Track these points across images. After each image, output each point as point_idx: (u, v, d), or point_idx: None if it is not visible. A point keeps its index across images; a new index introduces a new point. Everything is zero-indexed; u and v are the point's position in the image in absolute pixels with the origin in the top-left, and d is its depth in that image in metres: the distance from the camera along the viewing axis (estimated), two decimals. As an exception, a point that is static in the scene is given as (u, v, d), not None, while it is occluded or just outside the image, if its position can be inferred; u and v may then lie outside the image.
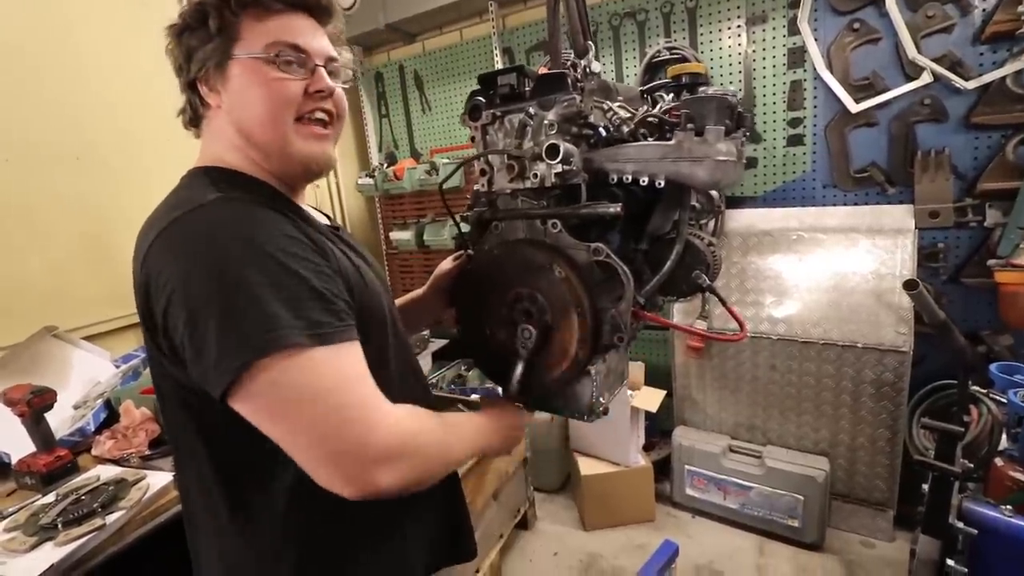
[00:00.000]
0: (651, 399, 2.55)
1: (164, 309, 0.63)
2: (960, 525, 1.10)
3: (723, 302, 1.22)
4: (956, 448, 1.17)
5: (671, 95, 1.27)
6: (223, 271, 0.60)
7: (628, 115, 1.06)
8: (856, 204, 2.29)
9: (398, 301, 1.21)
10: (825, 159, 2.30)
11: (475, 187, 1.10)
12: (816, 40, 2.19)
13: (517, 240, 1.02)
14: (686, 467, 2.58)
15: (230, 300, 0.59)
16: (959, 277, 2.12)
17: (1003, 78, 1.89)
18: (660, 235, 1.17)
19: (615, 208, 0.93)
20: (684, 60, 2.40)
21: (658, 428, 2.97)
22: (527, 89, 1.00)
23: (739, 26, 2.35)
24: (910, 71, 2.06)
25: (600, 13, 2.63)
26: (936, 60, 1.99)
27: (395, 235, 3.22)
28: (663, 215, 1.19)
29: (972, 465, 1.43)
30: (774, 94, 2.35)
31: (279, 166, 0.79)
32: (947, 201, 2.05)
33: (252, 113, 0.75)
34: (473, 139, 1.02)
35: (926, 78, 2.02)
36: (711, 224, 2.51)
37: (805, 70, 2.25)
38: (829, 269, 2.28)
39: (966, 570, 1.12)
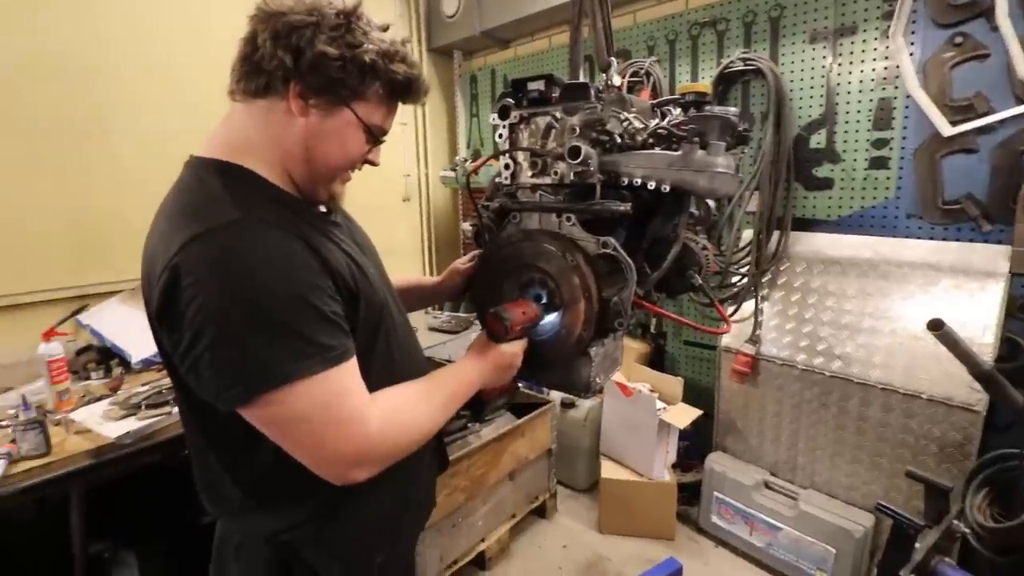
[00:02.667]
0: (682, 416, 2.49)
1: (188, 311, 0.67)
2: (919, 585, 1.00)
3: (712, 300, 1.27)
4: (947, 504, 1.06)
5: (679, 110, 1.32)
6: (257, 303, 0.68)
7: (641, 126, 1.15)
8: (944, 239, 2.03)
9: (411, 280, 1.38)
10: (911, 186, 2.07)
11: (496, 179, 1.25)
12: (911, 55, 1.98)
13: (534, 230, 1.16)
14: (715, 494, 2.49)
15: (260, 329, 0.68)
16: (1059, 335, 1.80)
17: None
18: (660, 236, 1.24)
19: (624, 206, 1.04)
20: (759, 71, 2.30)
21: (700, 452, 2.87)
22: (554, 95, 1.13)
23: (825, 37, 2.20)
24: (1022, 93, 1.79)
25: (680, 22, 2.61)
26: (1058, 81, 1.72)
27: (464, 225, 3.48)
28: (664, 219, 1.27)
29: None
30: (859, 111, 2.16)
31: (303, 186, 0.86)
32: (1054, 245, 1.76)
33: (326, 153, 0.82)
34: (500, 136, 1.17)
35: (1042, 101, 1.75)
36: (772, 242, 2.38)
37: (896, 87, 2.05)
38: (900, 308, 2.05)
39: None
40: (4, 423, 1.51)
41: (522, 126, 1.16)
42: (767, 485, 2.37)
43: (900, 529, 1.01)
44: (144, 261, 0.78)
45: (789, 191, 2.33)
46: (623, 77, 2.68)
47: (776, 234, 2.37)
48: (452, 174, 3.42)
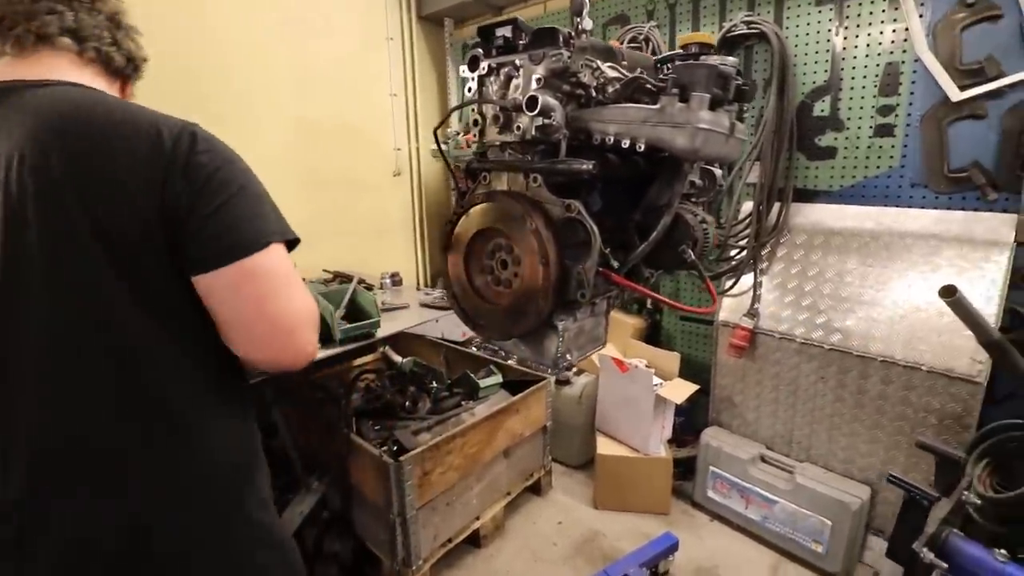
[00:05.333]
0: (679, 391, 2.46)
1: (212, 164, 0.76)
2: (931, 557, 0.98)
3: (703, 277, 1.19)
4: (958, 475, 1.03)
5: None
6: (256, 179, 0.85)
7: (616, 75, 1.07)
8: (949, 208, 1.99)
9: None
10: (917, 154, 2.02)
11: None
12: (921, 16, 1.91)
13: (499, 191, 1.09)
14: (711, 468, 2.47)
15: (267, 195, 0.85)
16: (1064, 306, 1.78)
17: None
18: (655, 206, 1.17)
19: (587, 165, 0.96)
20: (763, 35, 2.22)
21: (694, 426, 2.86)
22: (522, 42, 1.04)
23: (832, -1, 2.12)
24: (1036, 55, 1.73)
25: (681, -16, 2.51)
26: (1074, 43, 1.66)
27: (454, 198, 3.38)
28: (661, 187, 1.20)
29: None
30: (864, 77, 2.09)
31: None
32: (1062, 213, 1.72)
33: None
34: (470, 89, 1.09)
35: (1057, 64, 1.69)
36: (773, 214, 2.33)
37: (904, 51, 1.98)
38: (901, 279, 2.02)
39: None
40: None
41: (491, 78, 1.07)
42: (763, 459, 2.36)
43: (913, 501, 0.98)
44: (102, 132, 0.72)
45: (791, 161, 2.27)
46: (620, 42, 2.58)
47: (777, 205, 2.32)
48: (445, 147, 3.31)
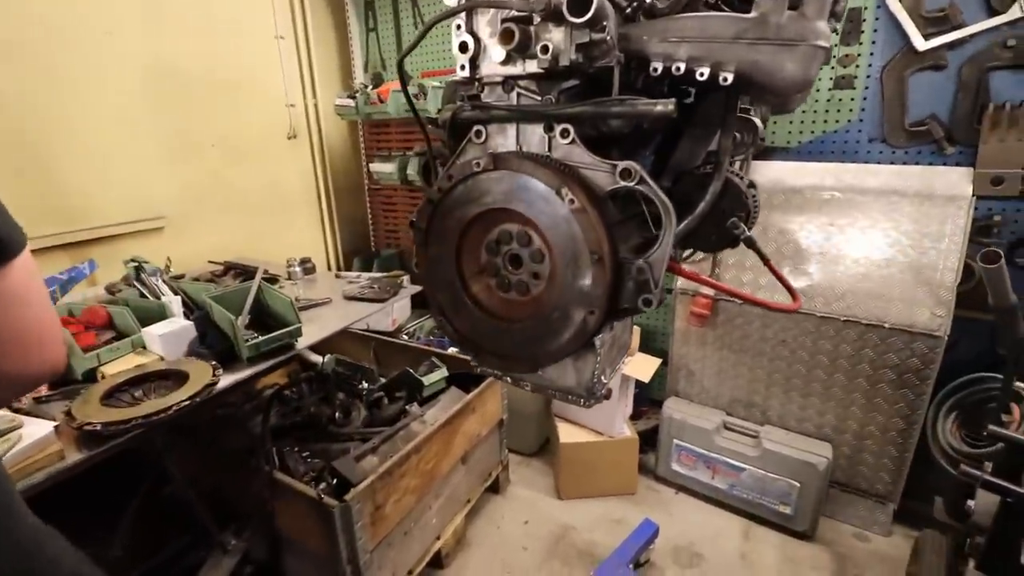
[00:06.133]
0: (644, 367, 2.31)
1: None
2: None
3: (766, 261, 0.96)
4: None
5: None
6: None
7: None
8: (905, 163, 1.97)
9: None
10: (876, 107, 1.96)
11: (452, 79, 0.82)
12: (886, -42, 1.81)
13: (507, 153, 0.75)
14: (675, 441, 2.38)
15: None
16: (1012, 257, 1.84)
17: (1114, 16, 1.54)
18: (689, 169, 0.90)
19: (666, 105, 0.65)
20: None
21: (648, 396, 2.77)
22: None
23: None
24: (996, 3, 1.69)
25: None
26: (1032, -11, 1.63)
27: (376, 167, 2.88)
28: (695, 142, 0.93)
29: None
30: (826, 24, 1.98)
31: None
32: (1017, 166, 1.74)
33: None
34: None
35: (1015, 12, 1.67)
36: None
37: (867, -5, 1.88)
38: (863, 237, 1.99)
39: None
40: None
41: None
42: (726, 427, 2.31)
43: (1012, 508, 0.85)
44: None
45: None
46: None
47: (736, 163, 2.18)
48: (351, 103, 2.76)
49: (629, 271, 0.70)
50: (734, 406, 2.35)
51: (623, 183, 0.68)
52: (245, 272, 2.06)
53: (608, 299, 0.70)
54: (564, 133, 0.71)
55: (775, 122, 2.16)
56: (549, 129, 0.72)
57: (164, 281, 1.85)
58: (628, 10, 0.72)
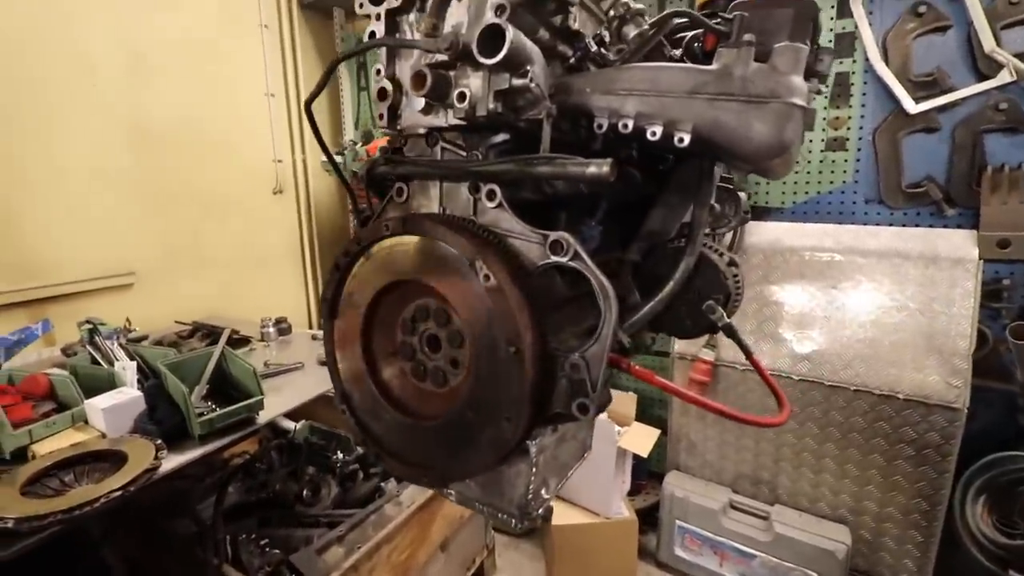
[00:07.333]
0: (642, 440, 2.15)
1: None
2: None
3: (748, 355, 0.84)
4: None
5: None
6: None
7: (639, 8, 0.69)
8: (904, 225, 1.91)
9: None
10: (871, 169, 1.93)
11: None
12: (870, 25, 1.83)
13: (422, 215, 0.65)
14: (677, 522, 2.18)
15: None
16: (1026, 322, 1.75)
17: (1104, 82, 1.53)
18: (660, 242, 0.79)
19: (603, 166, 0.55)
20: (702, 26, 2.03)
21: (648, 468, 2.57)
22: None
23: (778, 4, 1.99)
24: (984, 68, 1.70)
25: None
26: (1018, 56, 1.63)
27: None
28: (669, 211, 0.81)
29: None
30: (814, 88, 1.98)
31: None
32: (1020, 229, 1.68)
33: None
34: (373, 34, 0.64)
35: (1004, 77, 1.66)
36: (728, 238, 2.13)
37: (855, 60, 1.89)
38: (869, 301, 1.89)
39: None
40: None
41: (409, 14, 0.64)
42: (733, 506, 2.12)
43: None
44: None
45: (743, 176, 2.09)
46: None
47: (731, 224, 2.12)
48: (338, 159, 2.74)
49: (563, 367, 0.57)
50: (740, 482, 2.17)
51: (554, 258, 0.56)
52: (213, 333, 1.92)
53: (533, 401, 0.57)
54: (490, 195, 0.60)
55: (768, 182, 2.12)
56: (475, 190, 0.61)
57: (121, 345, 1.70)
58: (572, 59, 0.64)
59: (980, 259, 1.73)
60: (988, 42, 1.64)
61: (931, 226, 1.86)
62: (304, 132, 2.91)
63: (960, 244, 1.78)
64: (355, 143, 2.80)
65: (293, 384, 1.72)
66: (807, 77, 0.72)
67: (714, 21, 0.77)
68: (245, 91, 2.67)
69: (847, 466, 1.93)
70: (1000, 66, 1.66)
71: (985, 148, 1.74)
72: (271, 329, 2.09)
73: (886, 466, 1.85)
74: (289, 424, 2.23)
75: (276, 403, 1.53)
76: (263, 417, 1.45)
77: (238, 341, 2.01)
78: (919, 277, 1.82)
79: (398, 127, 0.66)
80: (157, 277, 2.34)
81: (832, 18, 1.91)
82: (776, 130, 0.57)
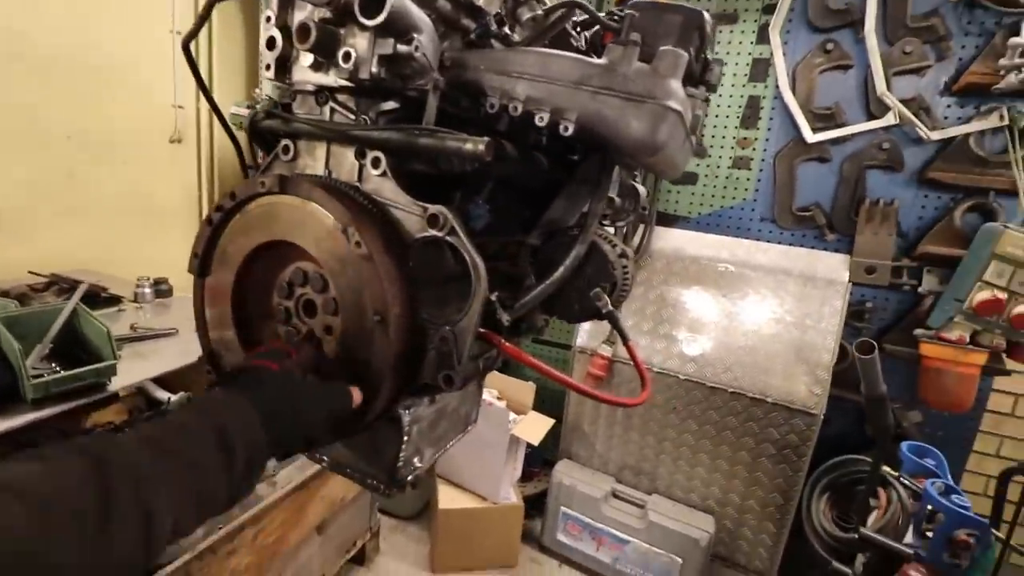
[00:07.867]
0: (536, 429, 2.19)
1: None
2: None
3: (625, 341, 0.87)
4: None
5: None
6: None
7: (532, 12, 0.68)
8: (792, 244, 2.06)
9: None
10: (769, 190, 2.05)
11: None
12: (784, 55, 1.93)
13: (300, 176, 0.61)
14: (562, 509, 2.25)
15: None
16: (881, 342, 1.94)
17: (966, 136, 1.71)
18: (560, 228, 0.81)
19: (476, 144, 0.53)
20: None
21: (542, 456, 2.64)
22: None
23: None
24: (875, 108, 1.85)
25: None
26: (904, 102, 1.79)
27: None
28: (571, 200, 0.83)
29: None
30: (728, 106, 2.07)
31: None
32: (886, 258, 1.87)
33: None
34: None
35: (890, 119, 1.82)
36: (637, 237, 2.20)
37: (767, 86, 1.99)
38: (753, 311, 2.03)
39: None
40: None
41: None
42: (615, 495, 2.22)
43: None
44: None
45: (656, 183, 2.16)
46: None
47: (641, 228, 2.19)
48: (246, 112, 2.52)
49: (433, 339, 0.57)
50: (624, 472, 2.27)
51: (431, 231, 0.55)
52: (72, 288, 1.71)
53: (397, 371, 0.57)
54: (375, 162, 0.58)
55: (679, 192, 2.21)
56: (361, 155, 0.59)
57: (-49, 291, 1.48)
58: (472, 34, 0.62)
59: (850, 282, 1.90)
60: (880, 85, 1.79)
61: (813, 248, 2.02)
62: (213, 77, 2.65)
63: (835, 267, 1.95)
64: (270, 97, 2.59)
65: (163, 351, 1.58)
66: (696, 85, 0.74)
67: (610, 18, 0.78)
68: (147, 25, 2.38)
69: (718, 461, 2.08)
70: (887, 108, 1.82)
71: (867, 182, 1.90)
72: (147, 289, 1.90)
73: (751, 463, 2.01)
74: (164, 394, 2.06)
75: (138, 369, 1.39)
76: (116, 384, 1.31)
77: (106, 300, 1.80)
78: (798, 293, 1.97)
79: (287, 81, 0.61)
80: (15, 220, 2.04)
81: (752, 42, 2.00)
82: (651, 129, 0.58)
